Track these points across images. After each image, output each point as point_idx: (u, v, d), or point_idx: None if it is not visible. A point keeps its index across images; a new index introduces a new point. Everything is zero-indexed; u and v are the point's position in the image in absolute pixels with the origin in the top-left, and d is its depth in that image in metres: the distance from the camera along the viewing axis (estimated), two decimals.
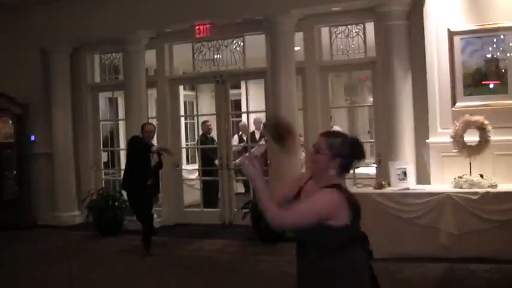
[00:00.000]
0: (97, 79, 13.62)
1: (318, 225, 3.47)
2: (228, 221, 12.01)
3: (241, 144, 13.53)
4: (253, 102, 13.86)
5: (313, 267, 3.61)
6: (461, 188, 8.57)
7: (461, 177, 8.70)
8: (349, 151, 3.59)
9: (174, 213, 12.42)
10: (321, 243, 3.59)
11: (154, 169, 10.08)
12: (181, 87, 13.21)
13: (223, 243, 10.40)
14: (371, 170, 11.64)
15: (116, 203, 11.77)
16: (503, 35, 9.24)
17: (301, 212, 3.50)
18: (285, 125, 3.94)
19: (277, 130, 3.89)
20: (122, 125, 13.39)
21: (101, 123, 13.72)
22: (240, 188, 13.84)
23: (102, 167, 13.75)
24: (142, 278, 8.30)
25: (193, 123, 15.35)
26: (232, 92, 13.05)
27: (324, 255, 3.57)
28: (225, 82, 12.06)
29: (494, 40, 9.31)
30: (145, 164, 9.86)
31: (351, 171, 10.01)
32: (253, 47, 11.69)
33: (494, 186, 8.52)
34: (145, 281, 8.12)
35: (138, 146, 9.86)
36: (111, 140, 14.09)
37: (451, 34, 9.46)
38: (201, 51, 12.29)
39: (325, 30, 11.18)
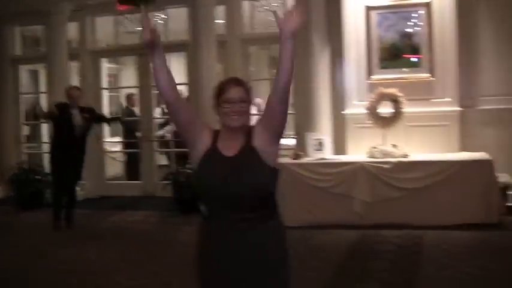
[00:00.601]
0: (18, 51, 13.39)
1: (270, 169, 3.21)
2: (150, 192, 12.09)
3: (164, 116, 13.55)
4: (175, 75, 13.87)
5: (256, 233, 3.25)
6: (374, 157, 8.87)
7: (375, 148, 9.00)
8: None
9: (96, 185, 12.37)
10: (267, 195, 3.27)
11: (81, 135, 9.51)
12: (104, 60, 13.12)
13: (144, 215, 10.48)
14: (291, 141, 11.89)
15: (38, 177, 11.68)
16: (418, 11, 9.53)
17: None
18: None
19: None
20: (44, 98, 13.22)
21: (23, 96, 13.51)
22: (162, 160, 13.91)
23: (24, 141, 13.57)
24: (62, 250, 8.27)
25: (117, 96, 15.25)
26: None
27: (269, 212, 3.30)
28: (147, 55, 12.04)
29: (409, 16, 9.59)
30: (68, 133, 9.37)
31: None
32: (176, 20, 11.72)
33: (406, 155, 8.85)
34: (65, 252, 8.09)
35: (57, 116, 9.44)
36: (33, 113, 13.92)
37: (368, 9, 9.67)
38: (124, 24, 12.27)
39: (246, 4, 11.32)
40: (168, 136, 13.22)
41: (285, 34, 2.99)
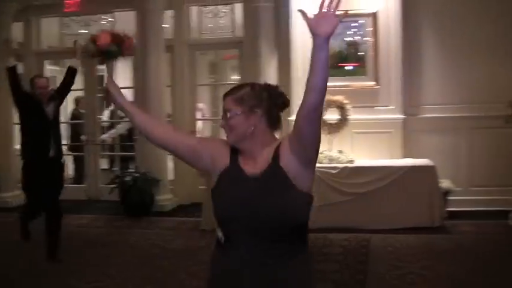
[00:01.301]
0: None
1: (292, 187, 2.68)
2: (94, 196, 12.03)
3: (110, 120, 13.48)
4: (121, 79, 13.83)
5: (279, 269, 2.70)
6: (321, 163, 9.06)
7: (321, 153, 9.19)
8: (266, 98, 2.81)
9: None
10: (297, 224, 2.72)
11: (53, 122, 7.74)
12: (47, 62, 12.98)
13: (90, 219, 10.38)
14: None
15: None
16: (363, 21, 9.80)
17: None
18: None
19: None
20: None
21: None
22: (103, 164, 13.87)
23: None
24: (13, 253, 8.16)
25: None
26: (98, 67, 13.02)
27: (298, 246, 2.76)
28: (92, 57, 11.95)
29: (356, 25, 9.85)
30: (43, 130, 7.61)
31: None
32: (123, 24, 11.67)
33: (352, 161, 9.10)
34: (17, 256, 8.02)
35: (27, 105, 7.61)
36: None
37: None
38: (70, 26, 12.19)
39: (194, 9, 11.43)
40: (110, 140, 13.19)
41: (320, 39, 2.40)
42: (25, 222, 7.95)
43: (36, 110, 7.55)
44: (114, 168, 13.55)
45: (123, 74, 13.86)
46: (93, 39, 3.39)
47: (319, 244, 8.15)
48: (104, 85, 3.07)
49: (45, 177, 7.56)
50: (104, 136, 13.00)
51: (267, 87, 2.86)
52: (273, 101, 2.82)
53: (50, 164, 7.62)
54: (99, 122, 12.65)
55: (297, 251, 2.72)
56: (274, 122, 2.84)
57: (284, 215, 2.64)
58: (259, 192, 2.68)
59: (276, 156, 2.72)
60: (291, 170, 2.67)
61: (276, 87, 2.88)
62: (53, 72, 14.22)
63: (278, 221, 2.64)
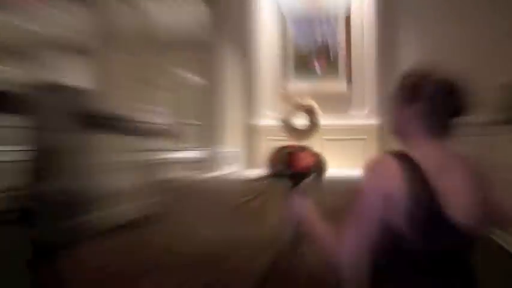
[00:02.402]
0: None
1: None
2: None
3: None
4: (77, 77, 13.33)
5: None
6: None
7: None
8: (430, 95, 2.23)
9: None
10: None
11: None
12: None
13: None
14: (202, 153, 11.71)
15: None
16: (333, 22, 9.58)
17: (353, 222, 2.15)
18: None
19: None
20: None
21: None
22: None
23: None
24: None
25: None
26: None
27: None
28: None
29: (328, 27, 9.61)
30: None
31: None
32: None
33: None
34: None
35: None
36: None
37: (284, 20, 9.73)
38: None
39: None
40: None
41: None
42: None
43: None
44: None
45: (80, 74, 13.42)
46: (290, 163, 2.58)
47: None
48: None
49: None
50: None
51: (439, 83, 2.23)
52: (440, 101, 2.22)
53: None
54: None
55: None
56: (433, 126, 2.24)
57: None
58: None
59: None
60: None
61: (453, 86, 2.23)
62: None
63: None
